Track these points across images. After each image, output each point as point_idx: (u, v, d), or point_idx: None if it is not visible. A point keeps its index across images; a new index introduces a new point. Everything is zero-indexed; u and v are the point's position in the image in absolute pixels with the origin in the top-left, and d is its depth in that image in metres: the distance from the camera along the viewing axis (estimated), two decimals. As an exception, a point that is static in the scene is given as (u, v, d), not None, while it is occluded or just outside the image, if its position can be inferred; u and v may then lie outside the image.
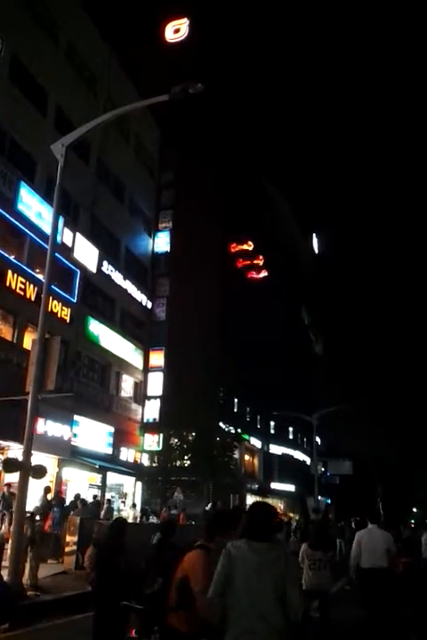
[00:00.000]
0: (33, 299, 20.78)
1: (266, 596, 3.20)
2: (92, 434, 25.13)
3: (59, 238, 20.45)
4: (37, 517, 12.64)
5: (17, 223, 21.21)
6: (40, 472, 10.38)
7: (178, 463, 27.99)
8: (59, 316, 22.66)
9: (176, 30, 41.77)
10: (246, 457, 41.71)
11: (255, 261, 42.47)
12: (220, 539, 3.93)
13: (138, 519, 22.70)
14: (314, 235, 73.95)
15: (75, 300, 24.54)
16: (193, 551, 3.89)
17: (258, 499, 43.90)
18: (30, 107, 22.87)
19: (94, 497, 20.75)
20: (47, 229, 18.46)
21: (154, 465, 28.90)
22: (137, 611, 5.43)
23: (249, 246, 41.64)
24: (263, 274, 43.24)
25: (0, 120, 20.85)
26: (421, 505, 68.39)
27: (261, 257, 42.92)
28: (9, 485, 15.39)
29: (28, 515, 11.48)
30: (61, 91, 24.94)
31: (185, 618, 3.71)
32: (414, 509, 71.12)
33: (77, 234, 25.27)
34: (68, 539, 14.17)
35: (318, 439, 38.31)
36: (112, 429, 26.98)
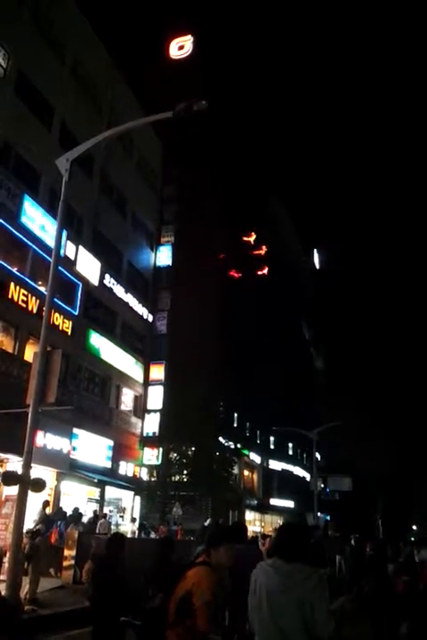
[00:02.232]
0: (35, 311, 20.85)
1: (289, 617, 3.26)
2: (92, 447, 25.04)
3: (62, 251, 20.55)
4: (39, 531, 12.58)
5: (20, 236, 21.29)
6: (39, 485, 10.34)
7: (177, 478, 27.87)
8: (60, 328, 22.71)
9: (180, 47, 42.24)
10: (246, 472, 41.55)
11: (256, 252, 42.17)
12: (214, 552, 3.95)
13: (136, 534, 22.56)
14: (315, 250, 74.24)
15: (76, 313, 24.59)
16: (197, 567, 3.89)
17: (257, 514, 43.70)
18: (35, 121, 23.08)
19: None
20: (50, 242, 18.57)
21: (153, 479, 28.77)
22: (135, 626, 5.40)
23: (251, 237, 41.55)
24: (266, 270, 43.09)
25: (5, 134, 21.04)
26: (421, 522, 67.93)
27: (263, 247, 42.60)
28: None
29: (30, 530, 11.44)
30: (66, 105, 25.19)
31: (183, 634, 3.71)
32: (414, 527, 70.59)
33: (80, 247, 25.37)
34: (67, 553, 14.10)
35: (317, 455, 38.15)
36: (111, 443, 26.87)
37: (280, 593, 3.34)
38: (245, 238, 41.34)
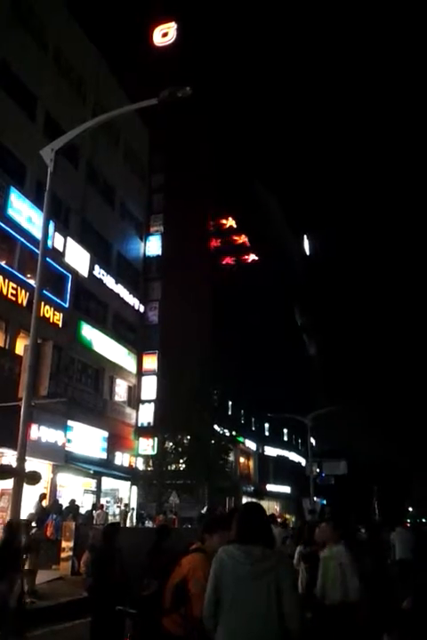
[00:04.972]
0: (25, 304, 20.66)
1: (259, 605, 3.02)
2: (87, 439, 25.00)
3: (49, 243, 20.39)
4: (33, 524, 12.54)
5: (7, 228, 21.09)
6: (34, 478, 10.30)
7: (173, 467, 27.92)
8: (51, 320, 22.57)
9: (164, 34, 41.87)
10: (241, 459, 41.70)
11: (235, 238, 41.57)
12: (208, 538, 3.94)
13: (134, 523, 22.62)
14: (305, 236, 74.14)
15: (67, 305, 24.45)
16: (191, 554, 3.88)
17: (254, 501, 43.84)
18: (19, 111, 22.78)
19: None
20: (38, 234, 18.37)
21: (149, 469, 28.81)
22: (131, 615, 5.40)
23: (228, 221, 41.04)
24: (252, 257, 42.70)
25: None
26: (416, 504, 68.67)
27: (241, 235, 41.96)
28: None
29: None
30: (50, 95, 24.85)
31: (179, 621, 3.71)
32: (410, 509, 71.29)
33: (68, 238, 25.17)
34: (64, 544, 14.10)
35: (312, 440, 38.29)
36: (106, 434, 26.85)
37: (248, 581, 3.08)
38: (223, 221, 40.67)
